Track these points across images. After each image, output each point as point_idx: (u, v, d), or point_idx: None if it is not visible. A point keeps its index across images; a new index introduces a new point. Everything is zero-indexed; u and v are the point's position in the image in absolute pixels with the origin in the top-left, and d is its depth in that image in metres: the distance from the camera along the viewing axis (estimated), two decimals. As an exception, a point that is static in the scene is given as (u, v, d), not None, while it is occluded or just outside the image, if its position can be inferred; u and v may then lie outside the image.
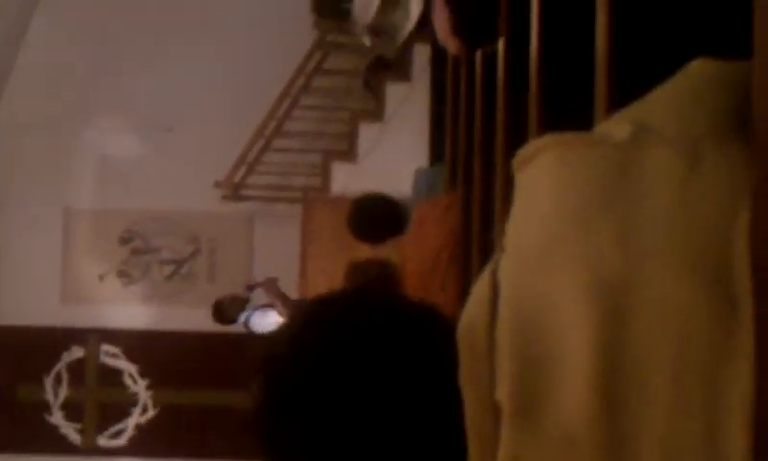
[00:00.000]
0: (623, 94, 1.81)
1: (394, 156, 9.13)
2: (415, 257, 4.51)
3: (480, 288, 1.26)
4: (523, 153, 1.25)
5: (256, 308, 7.95)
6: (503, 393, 1.18)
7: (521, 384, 1.16)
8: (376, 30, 6.68)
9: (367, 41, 7.10)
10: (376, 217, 5.13)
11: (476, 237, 3.68)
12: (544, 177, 1.21)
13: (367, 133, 9.72)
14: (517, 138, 2.80)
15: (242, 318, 7.94)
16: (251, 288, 7.91)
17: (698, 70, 1.27)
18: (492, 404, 1.19)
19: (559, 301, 1.15)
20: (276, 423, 1.31)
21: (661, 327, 1.12)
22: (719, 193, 1.14)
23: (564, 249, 1.16)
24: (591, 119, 1.91)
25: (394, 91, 9.62)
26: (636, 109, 1.25)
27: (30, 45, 10.15)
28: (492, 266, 1.25)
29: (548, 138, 1.23)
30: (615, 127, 1.22)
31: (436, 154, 7.92)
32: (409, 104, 9.30)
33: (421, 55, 8.90)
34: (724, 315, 1.10)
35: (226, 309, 8.13)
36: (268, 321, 7.95)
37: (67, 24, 10.11)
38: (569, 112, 2.29)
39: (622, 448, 1.13)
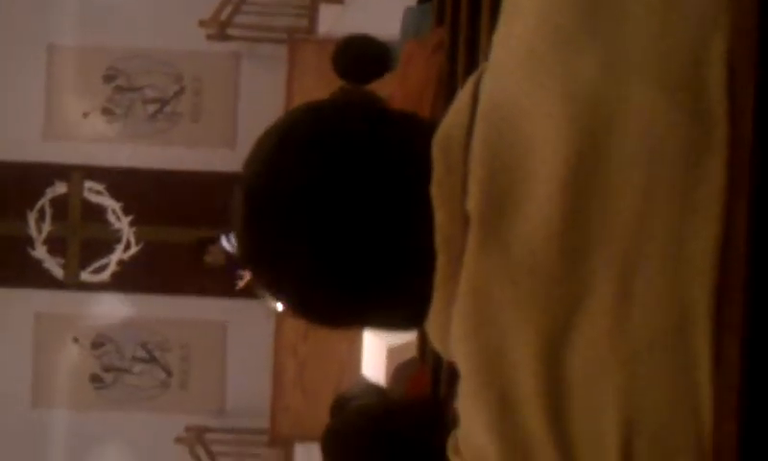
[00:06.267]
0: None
1: (382, -4, 9.01)
2: (400, 92, 4.48)
3: (461, 98, 1.25)
4: None
5: None
6: (472, 201, 1.17)
7: (490, 193, 1.16)
8: None
9: None
10: (362, 57, 5.08)
11: (461, 78, 3.65)
12: None
13: (355, -27, 9.59)
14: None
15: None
16: None
17: None
18: (463, 214, 1.18)
19: (533, 113, 1.15)
20: (254, 231, 1.28)
21: (635, 145, 1.11)
22: (700, 14, 1.13)
23: (543, 64, 1.16)
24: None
25: (382, -70, 9.46)
26: None
27: None
28: (476, 78, 1.25)
29: None
30: None
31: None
32: (398, -57, 9.14)
33: None
34: (697, 136, 1.10)
35: None
36: None
37: None
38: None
39: (578, 263, 1.13)
